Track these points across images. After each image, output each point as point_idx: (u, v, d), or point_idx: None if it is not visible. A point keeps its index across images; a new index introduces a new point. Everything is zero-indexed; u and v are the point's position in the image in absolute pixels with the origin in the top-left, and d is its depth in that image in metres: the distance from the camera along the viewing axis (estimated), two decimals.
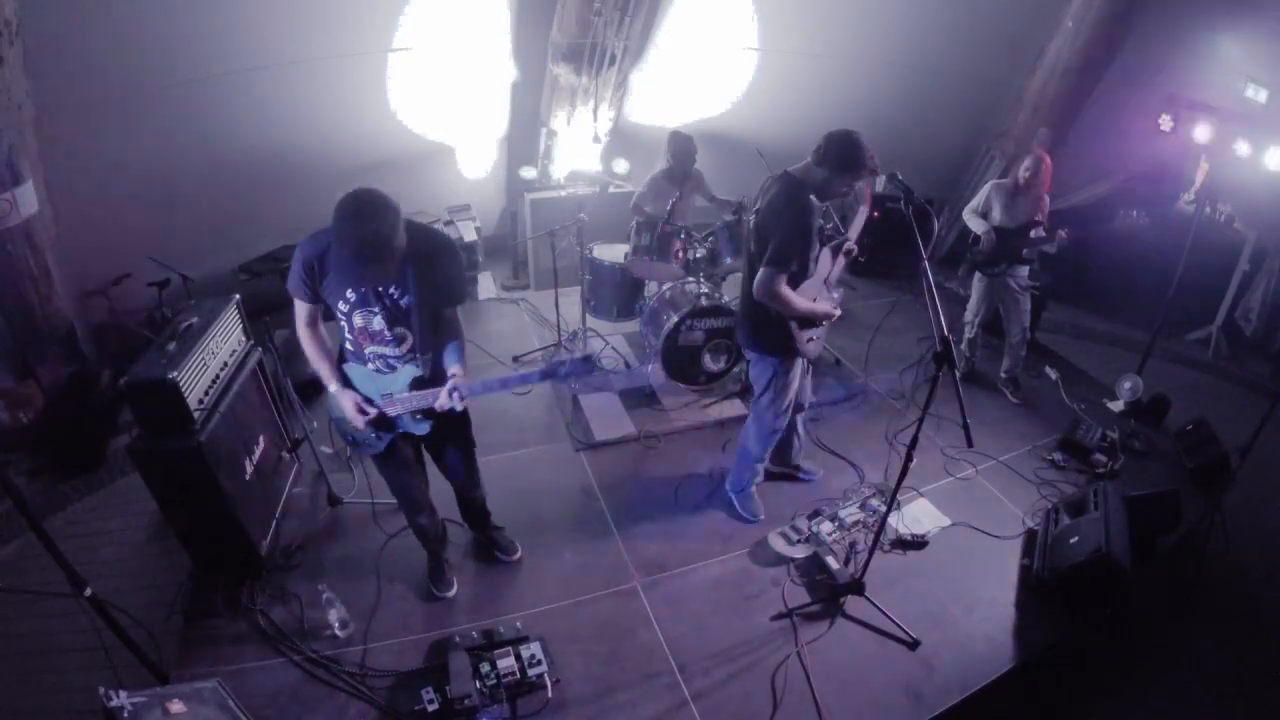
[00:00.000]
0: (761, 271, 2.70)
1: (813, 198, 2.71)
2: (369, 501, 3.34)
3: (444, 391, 2.24)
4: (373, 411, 2.33)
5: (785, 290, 2.69)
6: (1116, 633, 3.07)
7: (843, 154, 2.57)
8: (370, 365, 2.34)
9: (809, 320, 2.86)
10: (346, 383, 2.36)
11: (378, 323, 2.24)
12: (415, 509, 2.80)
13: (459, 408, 2.29)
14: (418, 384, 2.33)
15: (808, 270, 2.78)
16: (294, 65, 4.25)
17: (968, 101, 6.20)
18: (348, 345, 2.34)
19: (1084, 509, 3.22)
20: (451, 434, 2.62)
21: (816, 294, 2.89)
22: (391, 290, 2.21)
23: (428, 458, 2.77)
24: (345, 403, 2.32)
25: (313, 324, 2.32)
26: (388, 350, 2.30)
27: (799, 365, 3.04)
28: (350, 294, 2.19)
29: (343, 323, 2.27)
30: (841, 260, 3.00)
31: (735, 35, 5.32)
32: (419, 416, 2.41)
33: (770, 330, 2.89)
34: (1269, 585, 3.40)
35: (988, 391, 4.57)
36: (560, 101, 5.28)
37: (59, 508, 3.43)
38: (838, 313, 2.90)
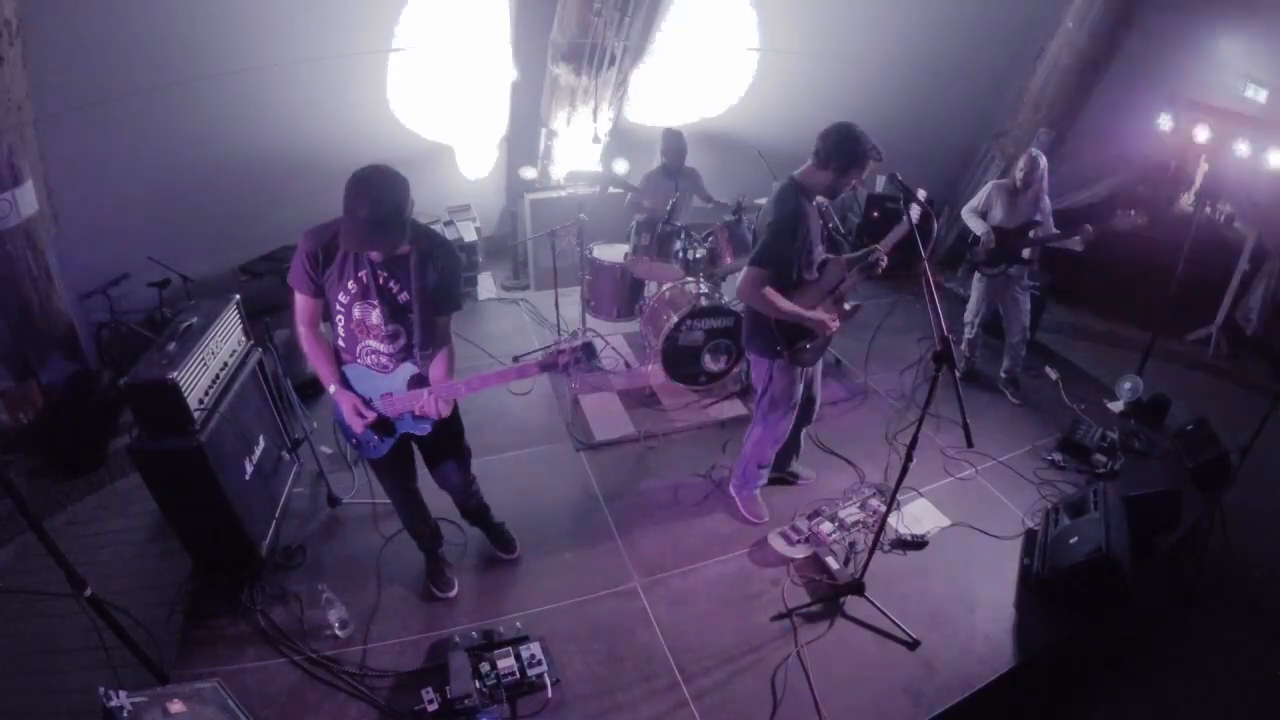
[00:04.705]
0: (744, 270, 2.68)
1: (816, 200, 2.69)
2: (369, 501, 3.34)
3: (425, 394, 2.25)
4: (371, 415, 2.33)
5: (768, 290, 2.66)
6: (1116, 633, 3.07)
7: (843, 150, 2.54)
8: (363, 362, 2.34)
9: (801, 327, 2.78)
10: (345, 384, 2.35)
11: (376, 316, 2.25)
12: (410, 512, 2.81)
13: (445, 412, 2.30)
14: (415, 382, 2.33)
15: (793, 274, 2.72)
16: (294, 65, 4.26)
17: (968, 102, 6.20)
18: (340, 343, 2.34)
19: (1084, 509, 3.22)
20: (446, 442, 2.61)
21: (818, 302, 2.82)
22: (392, 284, 2.22)
23: (420, 461, 2.74)
24: (344, 405, 2.32)
25: (312, 322, 2.32)
26: (382, 347, 2.30)
27: (797, 373, 2.98)
28: (351, 285, 2.20)
29: (339, 317, 2.27)
30: (855, 272, 2.86)
31: (735, 35, 5.32)
32: (415, 415, 2.39)
33: (764, 331, 2.85)
34: (1269, 585, 3.40)
35: (988, 391, 4.57)
36: (560, 101, 5.27)
37: (59, 508, 3.43)
38: (834, 324, 2.79)
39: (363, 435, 2.42)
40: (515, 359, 4.66)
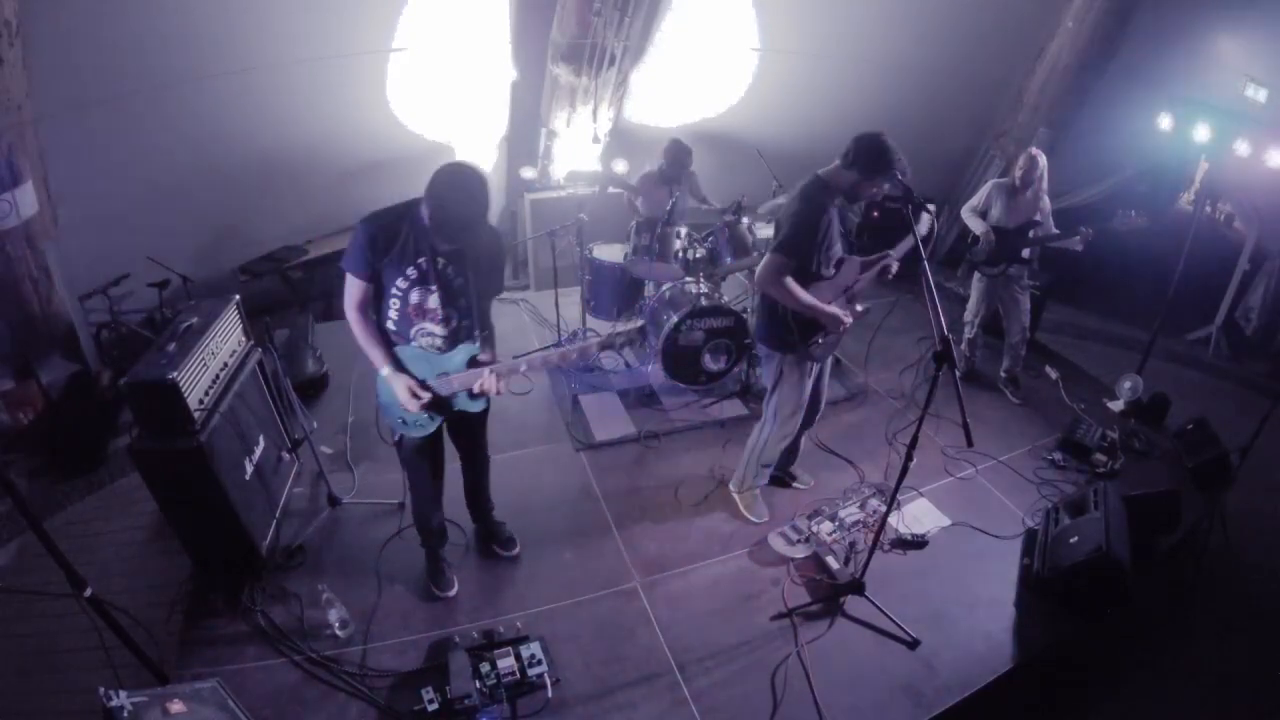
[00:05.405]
0: (766, 257, 2.75)
1: (837, 200, 2.74)
2: (369, 501, 3.35)
3: (486, 373, 2.37)
4: (426, 396, 2.39)
5: (788, 280, 2.71)
6: (1116, 632, 3.07)
7: (871, 156, 2.58)
8: (417, 344, 2.40)
9: (815, 322, 2.82)
10: (399, 366, 2.40)
11: (433, 301, 2.33)
12: (430, 500, 2.83)
13: (504, 390, 2.43)
14: (473, 363, 2.43)
15: (812, 268, 2.76)
16: (294, 65, 4.26)
17: (968, 101, 6.20)
18: (391, 325, 2.39)
19: (1084, 509, 3.22)
20: (483, 416, 2.77)
21: (832, 299, 2.85)
22: (449, 270, 2.32)
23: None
24: (399, 387, 2.37)
25: (363, 306, 2.37)
26: (437, 329, 2.38)
27: (808, 368, 3.01)
28: (410, 271, 2.28)
29: (394, 301, 2.33)
30: (870, 274, 2.91)
31: (735, 35, 5.32)
32: (473, 394, 2.48)
33: (777, 325, 2.89)
34: (1269, 585, 3.40)
35: (988, 391, 4.57)
36: (560, 101, 5.27)
37: (59, 508, 3.43)
38: (848, 320, 2.84)
39: (412, 416, 2.47)
40: (515, 359, 4.65)
